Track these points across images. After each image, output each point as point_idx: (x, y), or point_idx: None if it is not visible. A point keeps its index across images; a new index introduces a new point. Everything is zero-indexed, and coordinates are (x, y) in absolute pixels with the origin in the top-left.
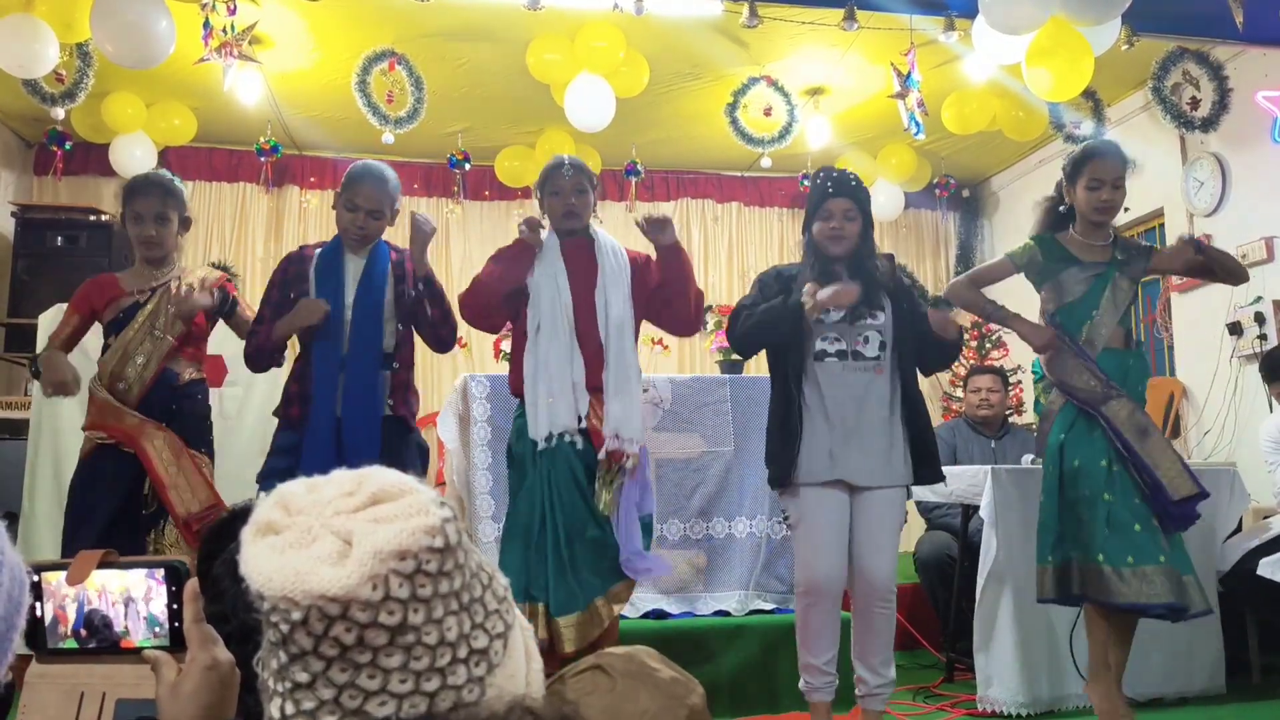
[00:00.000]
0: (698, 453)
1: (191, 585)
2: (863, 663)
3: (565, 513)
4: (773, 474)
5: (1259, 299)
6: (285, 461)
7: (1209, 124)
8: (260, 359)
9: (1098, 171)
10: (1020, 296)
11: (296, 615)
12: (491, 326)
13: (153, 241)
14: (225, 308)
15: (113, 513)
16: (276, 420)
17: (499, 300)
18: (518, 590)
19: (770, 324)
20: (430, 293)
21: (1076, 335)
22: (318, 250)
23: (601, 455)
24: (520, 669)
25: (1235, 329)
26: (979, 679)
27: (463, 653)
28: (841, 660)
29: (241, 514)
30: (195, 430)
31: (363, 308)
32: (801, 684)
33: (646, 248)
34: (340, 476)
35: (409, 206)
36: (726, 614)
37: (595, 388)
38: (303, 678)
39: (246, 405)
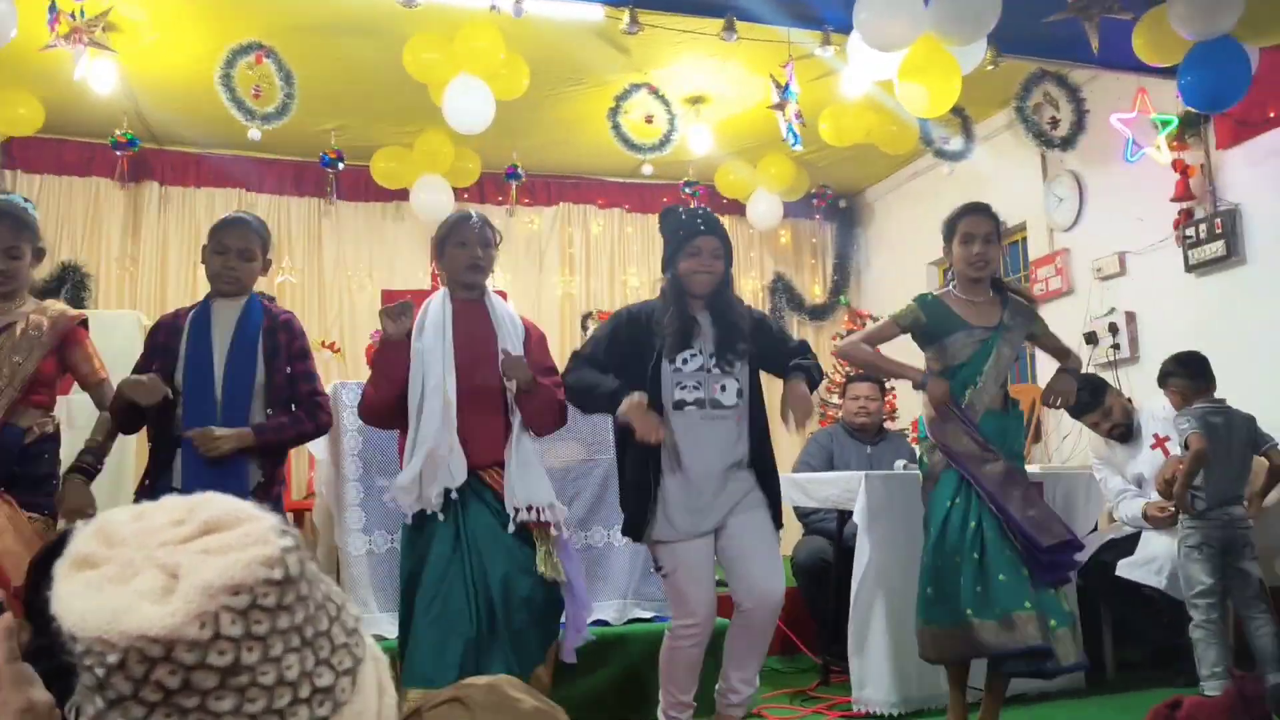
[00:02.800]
0: (577, 460)
1: (4, 621)
2: (739, 675)
3: (504, 586)
4: (627, 528)
5: (1113, 310)
6: None
7: (1067, 143)
8: (126, 429)
9: (969, 227)
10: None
11: (113, 658)
12: (398, 426)
13: (4, 277)
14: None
15: None
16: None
17: (395, 404)
18: (445, 676)
19: (588, 403)
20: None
21: (960, 398)
22: (190, 313)
23: (553, 533)
24: (371, 705)
25: (1091, 338)
26: (854, 681)
27: (304, 692)
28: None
29: (63, 541)
30: (40, 493)
31: (232, 375)
32: (661, 716)
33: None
34: (171, 503)
35: (279, 206)
36: (605, 623)
37: (484, 459)
38: None
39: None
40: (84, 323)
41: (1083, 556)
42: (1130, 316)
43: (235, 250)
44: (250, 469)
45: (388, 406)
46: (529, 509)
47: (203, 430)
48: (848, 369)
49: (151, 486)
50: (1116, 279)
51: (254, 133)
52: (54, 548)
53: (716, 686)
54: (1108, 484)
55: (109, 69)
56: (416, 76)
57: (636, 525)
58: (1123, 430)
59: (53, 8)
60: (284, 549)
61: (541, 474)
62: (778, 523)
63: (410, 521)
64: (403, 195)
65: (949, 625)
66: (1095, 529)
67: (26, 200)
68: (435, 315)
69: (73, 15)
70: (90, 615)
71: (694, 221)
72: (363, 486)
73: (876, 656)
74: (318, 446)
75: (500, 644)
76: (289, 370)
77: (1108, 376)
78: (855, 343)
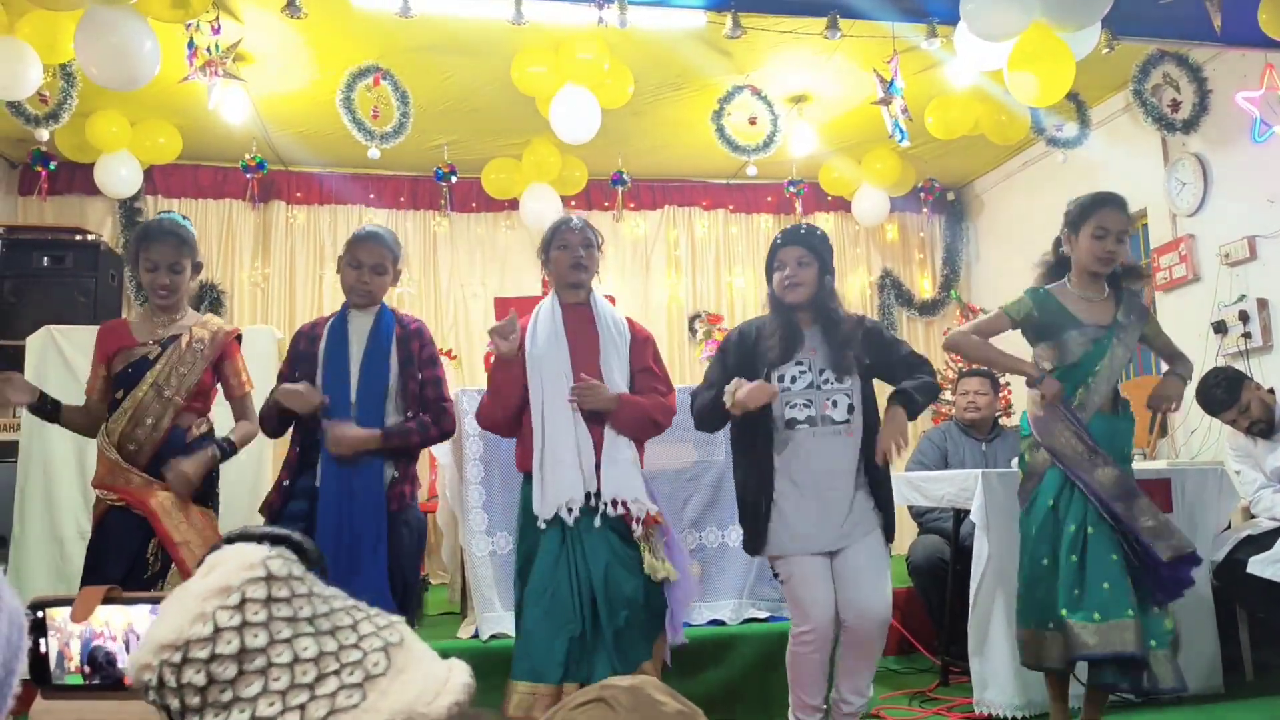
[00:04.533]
0: (690, 463)
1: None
2: (850, 688)
3: (603, 583)
4: (746, 542)
5: (1243, 297)
6: (304, 505)
7: (1190, 125)
8: (278, 431)
9: (1106, 221)
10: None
11: (151, 678)
12: (512, 433)
13: (167, 290)
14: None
15: (120, 576)
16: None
17: (512, 411)
18: (556, 674)
19: (708, 419)
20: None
21: (1069, 399)
22: (328, 323)
23: (635, 529)
24: (415, 684)
25: (1220, 328)
26: (975, 682)
27: (331, 666)
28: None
29: (235, 541)
30: (203, 486)
31: (368, 380)
32: (791, 716)
33: (636, 305)
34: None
35: (396, 220)
36: (721, 623)
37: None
38: None
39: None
40: (239, 338)
41: (1219, 555)
42: (1262, 303)
43: (369, 266)
44: (385, 468)
45: (505, 419)
46: (614, 503)
47: (334, 428)
48: (960, 364)
49: (291, 485)
50: (1246, 264)
51: (373, 151)
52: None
53: (830, 695)
54: (1244, 477)
55: (239, 98)
56: (524, 90)
57: (753, 540)
58: (1263, 427)
59: (190, 44)
60: (265, 557)
61: (632, 469)
62: (890, 534)
63: (525, 498)
64: (513, 205)
65: (1046, 628)
66: (1228, 526)
67: (185, 218)
68: (547, 323)
69: (208, 50)
70: (134, 653)
71: (776, 238)
72: (485, 490)
73: (998, 658)
74: (441, 450)
75: (604, 641)
76: (420, 376)
77: (1239, 366)
78: (965, 334)
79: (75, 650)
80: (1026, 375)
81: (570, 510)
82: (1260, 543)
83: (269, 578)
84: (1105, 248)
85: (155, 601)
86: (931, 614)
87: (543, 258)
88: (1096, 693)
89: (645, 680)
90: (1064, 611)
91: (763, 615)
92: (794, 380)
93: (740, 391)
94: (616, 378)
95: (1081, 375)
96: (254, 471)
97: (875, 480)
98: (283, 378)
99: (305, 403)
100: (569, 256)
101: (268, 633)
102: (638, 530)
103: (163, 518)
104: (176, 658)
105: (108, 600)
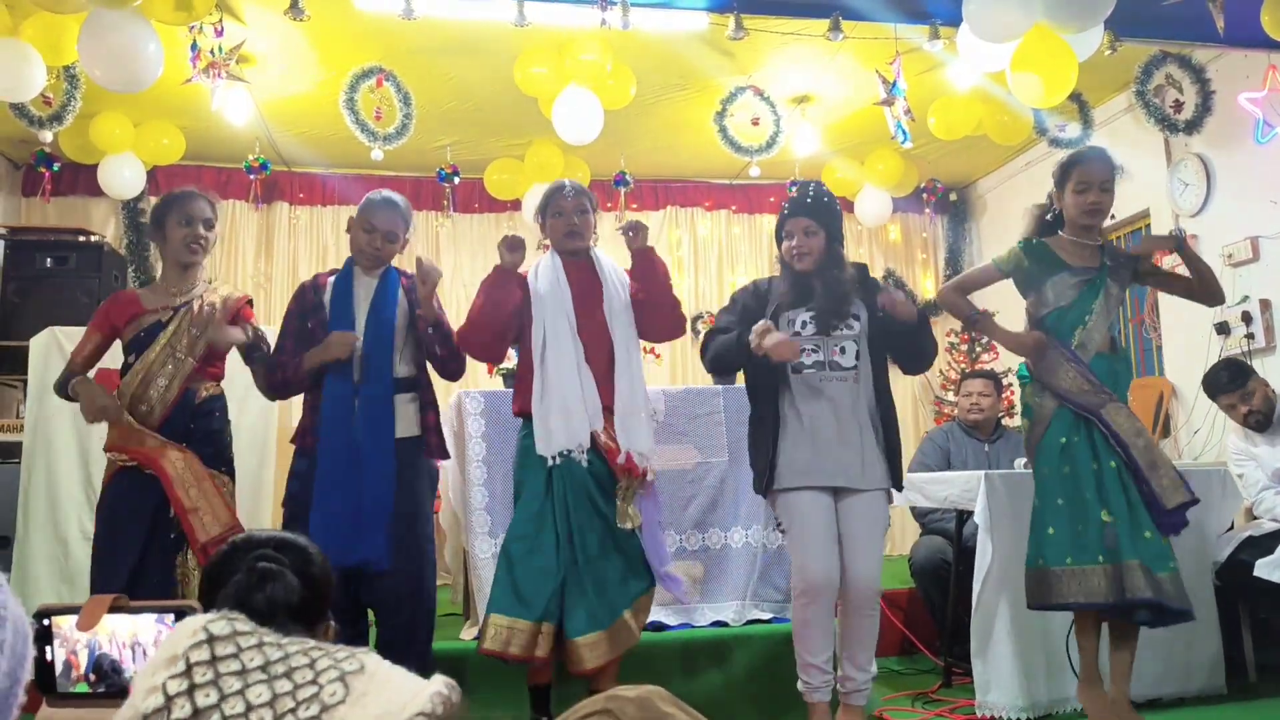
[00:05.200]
0: (692, 464)
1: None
2: (850, 661)
3: (582, 531)
4: (755, 481)
5: (1246, 299)
6: (298, 485)
7: (1192, 126)
8: (288, 390)
9: (1084, 175)
10: (1010, 298)
11: None
12: (494, 356)
13: (200, 244)
14: (253, 349)
15: (143, 543)
16: (274, 431)
17: (500, 329)
18: (535, 611)
19: (726, 358)
20: (440, 335)
21: (1069, 340)
22: (330, 278)
23: (620, 466)
24: (380, 702)
25: (1223, 328)
26: (977, 684)
27: (288, 704)
28: None
29: (242, 546)
30: (214, 448)
31: (374, 333)
32: (800, 684)
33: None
34: None
35: None
36: (724, 624)
37: (605, 406)
38: None
39: (244, 409)
40: (250, 302)
41: (1221, 556)
42: (1265, 304)
43: (382, 232)
44: (391, 421)
45: (493, 339)
46: (631, 454)
47: (421, 268)
48: (963, 365)
49: (311, 446)
50: (1249, 265)
51: (376, 153)
52: (224, 557)
53: (836, 675)
54: (1247, 478)
55: (242, 99)
56: (526, 91)
57: (760, 478)
58: (1260, 419)
59: (194, 46)
60: (206, 622)
61: (647, 423)
62: (897, 484)
63: (522, 440)
64: (516, 206)
65: (1092, 564)
66: (1231, 527)
67: None
68: (548, 270)
69: (211, 52)
70: None
71: (784, 206)
72: (487, 491)
73: (1001, 660)
74: None
75: (584, 588)
76: (427, 332)
77: None
78: (949, 286)
79: (81, 658)
80: (1000, 340)
81: (582, 451)
82: (1262, 544)
83: (211, 639)
84: (1088, 200)
85: (161, 611)
86: (934, 615)
87: (539, 221)
88: (1132, 631)
89: (652, 690)
90: (1134, 557)
91: (765, 616)
92: (804, 325)
93: (769, 340)
94: (619, 330)
95: (1078, 315)
96: (261, 440)
97: (887, 428)
98: (289, 334)
99: (344, 346)
100: (563, 224)
101: (218, 689)
102: (624, 483)
103: (175, 482)
104: None
105: (114, 609)
